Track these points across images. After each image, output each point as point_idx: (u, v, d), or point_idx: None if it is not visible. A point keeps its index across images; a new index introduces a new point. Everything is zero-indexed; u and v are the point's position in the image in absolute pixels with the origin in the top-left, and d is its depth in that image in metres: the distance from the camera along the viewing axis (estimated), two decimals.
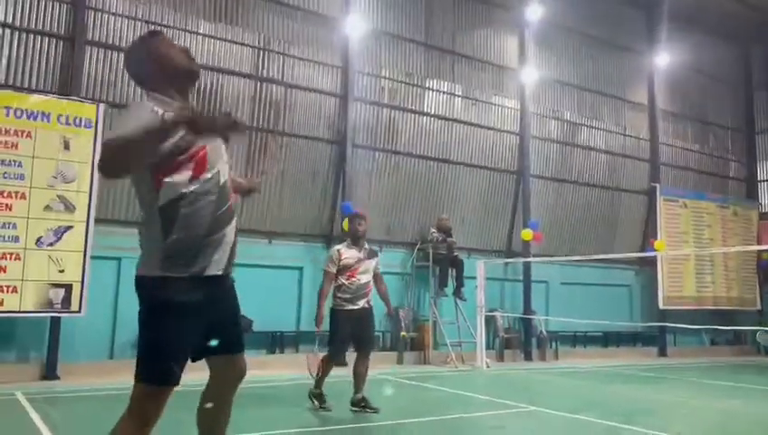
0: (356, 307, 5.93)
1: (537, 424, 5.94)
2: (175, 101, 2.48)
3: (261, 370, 8.99)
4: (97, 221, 8.54)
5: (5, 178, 7.90)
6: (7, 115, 7.98)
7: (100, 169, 2.17)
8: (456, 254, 11.47)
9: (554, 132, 13.78)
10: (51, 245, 8.10)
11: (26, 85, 8.66)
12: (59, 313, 8.16)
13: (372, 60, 11.62)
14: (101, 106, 8.65)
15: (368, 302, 6.01)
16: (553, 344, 12.80)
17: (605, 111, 14.56)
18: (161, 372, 2.31)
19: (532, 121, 13.20)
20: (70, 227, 8.26)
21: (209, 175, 2.45)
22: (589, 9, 14.08)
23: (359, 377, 5.93)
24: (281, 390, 7.70)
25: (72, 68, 8.91)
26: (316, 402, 6.01)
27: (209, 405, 2.58)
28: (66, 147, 8.28)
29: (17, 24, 8.71)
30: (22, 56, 8.71)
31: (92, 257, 8.39)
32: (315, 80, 10.98)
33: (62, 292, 8.11)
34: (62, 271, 8.11)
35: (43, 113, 8.19)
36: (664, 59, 14.76)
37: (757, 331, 14.64)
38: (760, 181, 17.14)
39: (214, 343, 2.51)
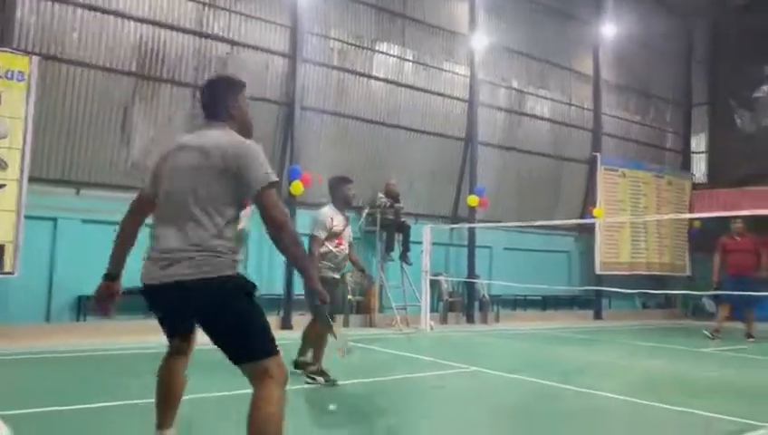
0: (338, 277, 5.72)
1: (477, 383, 6.15)
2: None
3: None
4: (31, 180, 8.18)
5: None
6: None
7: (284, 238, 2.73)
8: (403, 219, 11.58)
9: (502, 100, 13.93)
10: None
11: None
12: None
13: (322, 20, 11.38)
14: (35, 59, 8.21)
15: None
16: (495, 308, 13.19)
17: (552, 80, 14.78)
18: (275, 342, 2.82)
19: (480, 89, 13.29)
20: (2, 186, 7.89)
21: None
22: None
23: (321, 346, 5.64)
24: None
25: (2, 19, 8.39)
26: (321, 379, 5.56)
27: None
28: None
29: None
30: None
31: (26, 217, 8.05)
32: (263, 38, 10.70)
33: None
34: None
35: None
36: (610, 30, 15.04)
37: (685, 295, 15.46)
38: (694, 153, 17.89)
39: None
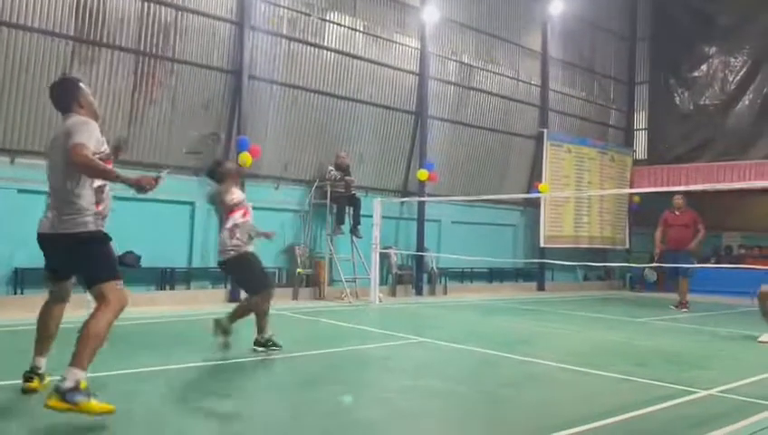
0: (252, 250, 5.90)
1: (423, 353, 6.28)
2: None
3: (150, 306, 8.78)
4: None
5: None
6: None
7: (84, 171, 3.61)
8: (353, 192, 11.56)
9: (452, 74, 13.97)
10: None
11: None
12: None
13: None
14: None
15: None
16: (443, 280, 13.41)
17: (501, 55, 14.90)
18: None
19: (431, 62, 13.29)
20: None
21: None
22: None
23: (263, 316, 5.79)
24: (172, 326, 7.57)
25: None
26: (222, 338, 5.75)
27: None
28: None
29: None
30: None
31: None
32: (209, 3, 10.35)
33: None
34: None
35: None
36: (558, 6, 15.23)
37: (624, 267, 16.09)
38: (636, 130, 18.45)
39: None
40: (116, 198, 4.53)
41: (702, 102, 16.80)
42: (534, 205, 15.31)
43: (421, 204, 12.96)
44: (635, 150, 18.10)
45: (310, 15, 11.58)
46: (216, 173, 5.99)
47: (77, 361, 3.42)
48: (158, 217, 9.60)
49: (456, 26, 13.94)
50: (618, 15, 17.68)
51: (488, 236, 14.37)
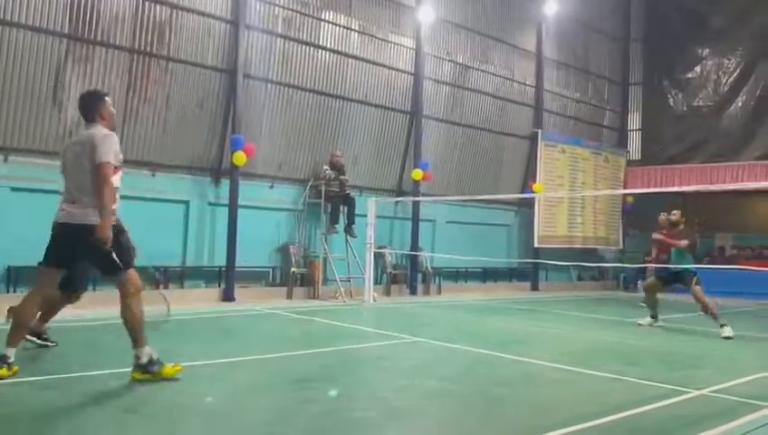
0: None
1: (418, 353, 6.28)
2: None
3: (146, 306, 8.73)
4: None
5: None
6: None
7: (99, 186, 4.21)
8: (348, 191, 11.55)
9: (447, 74, 13.98)
10: None
11: None
12: None
13: None
14: None
15: None
16: (437, 280, 13.43)
17: (496, 55, 14.92)
18: None
19: (426, 62, 13.30)
20: None
21: None
22: None
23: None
24: (168, 325, 7.53)
25: None
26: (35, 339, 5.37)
27: None
28: None
29: None
30: None
31: None
32: (203, 2, 10.31)
33: None
34: None
35: None
36: (552, 7, 15.27)
37: (618, 267, 16.13)
38: (630, 130, 18.52)
39: None
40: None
41: (695, 104, 16.89)
42: (528, 205, 15.35)
43: (416, 204, 12.97)
44: (629, 151, 18.18)
45: (305, 15, 11.56)
46: None
47: (139, 343, 4.31)
48: (153, 216, 9.56)
49: (452, 27, 13.95)
50: (611, 16, 17.75)
51: (482, 235, 14.39)
